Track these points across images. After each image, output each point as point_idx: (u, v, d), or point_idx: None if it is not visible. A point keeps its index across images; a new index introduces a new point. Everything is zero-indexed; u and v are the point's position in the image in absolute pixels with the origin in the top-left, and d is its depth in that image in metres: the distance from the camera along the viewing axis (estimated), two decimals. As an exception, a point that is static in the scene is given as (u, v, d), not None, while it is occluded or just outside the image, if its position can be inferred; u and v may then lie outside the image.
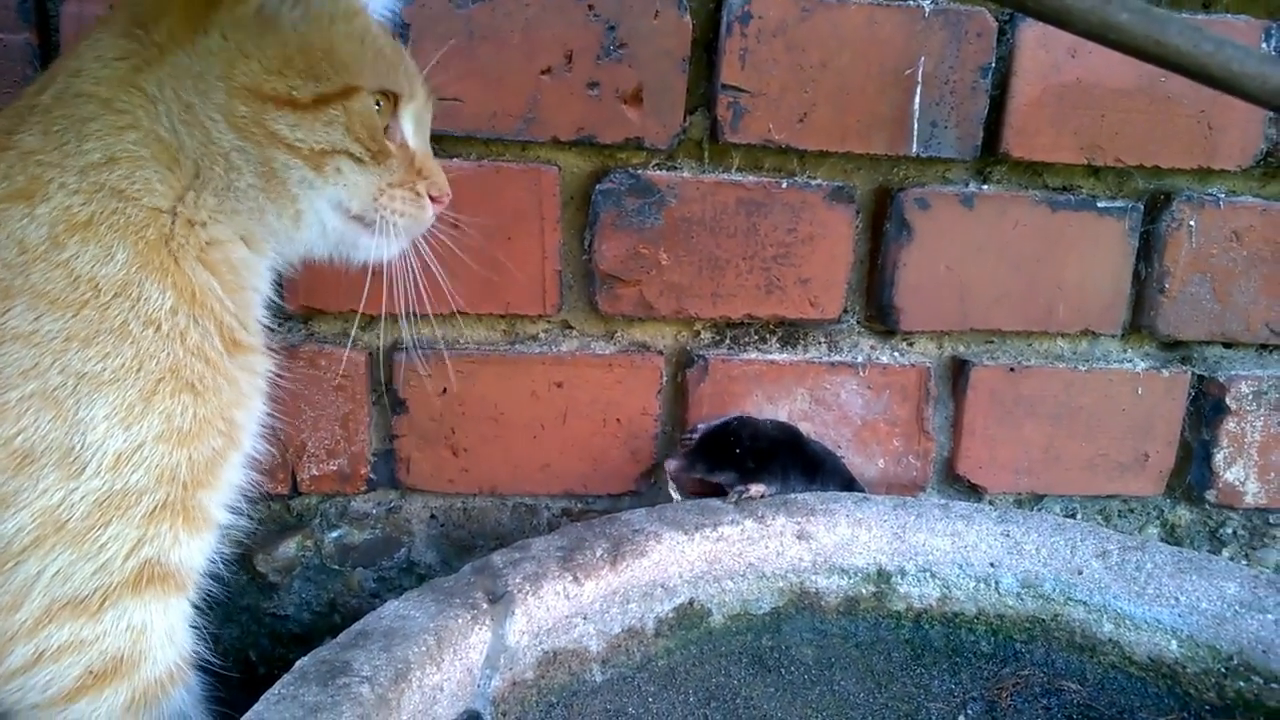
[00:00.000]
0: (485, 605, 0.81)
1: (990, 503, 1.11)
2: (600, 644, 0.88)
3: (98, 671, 0.68)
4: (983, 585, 0.94)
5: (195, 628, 0.77)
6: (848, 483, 1.02)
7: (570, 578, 0.86)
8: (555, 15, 0.95)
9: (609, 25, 0.96)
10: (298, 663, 0.73)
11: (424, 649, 0.75)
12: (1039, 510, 1.13)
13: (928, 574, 0.95)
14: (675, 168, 1.02)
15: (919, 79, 1.00)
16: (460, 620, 0.79)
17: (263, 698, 0.69)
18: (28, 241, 0.62)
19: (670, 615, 0.92)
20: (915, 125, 1.01)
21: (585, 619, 0.87)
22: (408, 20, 0.93)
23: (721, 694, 0.88)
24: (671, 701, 0.86)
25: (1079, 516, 1.14)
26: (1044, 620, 0.92)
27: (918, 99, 1.00)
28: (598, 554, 0.88)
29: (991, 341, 1.09)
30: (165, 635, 0.71)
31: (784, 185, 1.02)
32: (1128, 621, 0.90)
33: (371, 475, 1.03)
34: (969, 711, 0.86)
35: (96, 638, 0.67)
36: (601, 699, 0.86)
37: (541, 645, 0.85)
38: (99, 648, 0.67)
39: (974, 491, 1.11)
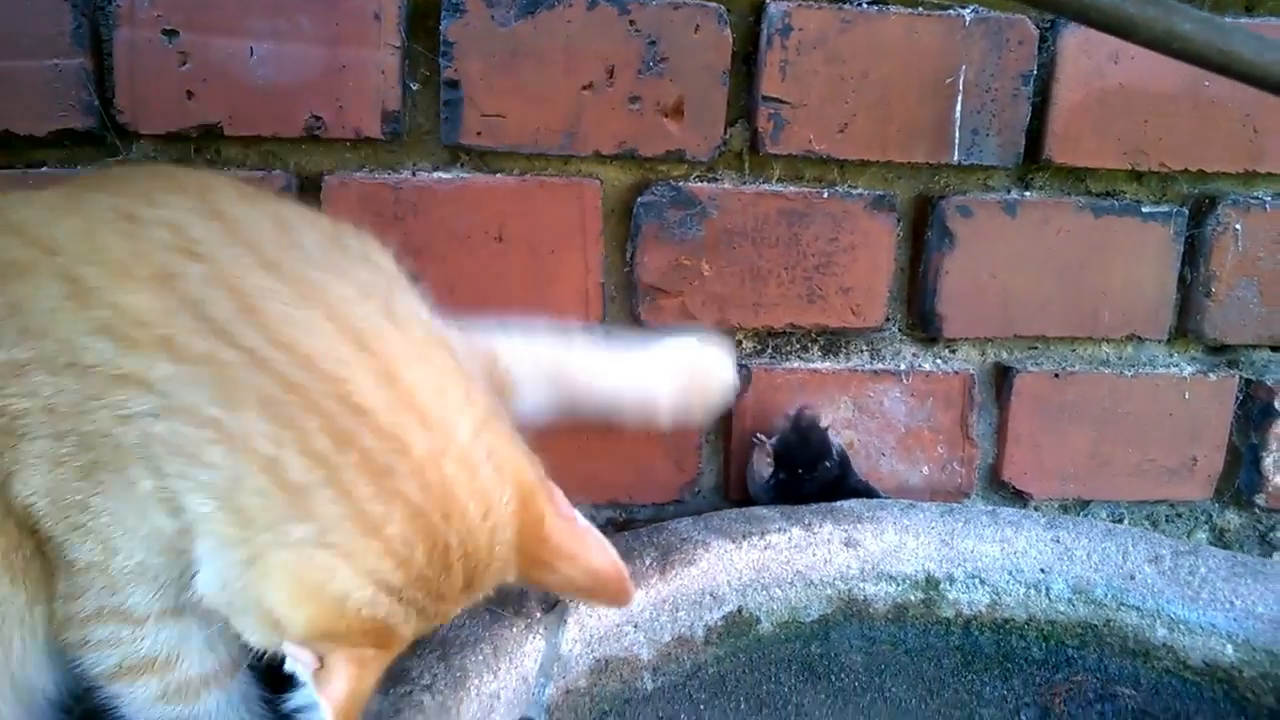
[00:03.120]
0: (539, 614, 0.82)
1: (1036, 509, 1.11)
2: (651, 652, 0.89)
3: (129, 666, 0.73)
4: (1033, 591, 0.94)
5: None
6: None
7: (621, 586, 0.87)
8: (597, 31, 0.97)
9: (650, 40, 0.97)
10: (358, 673, 0.74)
11: (481, 658, 0.76)
12: (1086, 516, 1.12)
13: (977, 581, 0.95)
14: (716, 179, 1.02)
15: (960, 88, 1.00)
16: (515, 629, 0.80)
17: (325, 706, 0.70)
18: None
19: (719, 623, 0.92)
20: (957, 134, 1.01)
21: (635, 627, 0.88)
22: (452, 38, 0.94)
23: (773, 701, 0.88)
24: (723, 709, 0.87)
25: (1126, 522, 1.13)
26: (1096, 626, 0.92)
27: (959, 107, 1.01)
28: (647, 562, 0.89)
29: (1035, 348, 1.09)
30: (205, 645, 0.75)
31: (825, 195, 1.02)
32: (1182, 626, 0.89)
33: (420, 487, 1.04)
34: (1023, 717, 0.86)
35: (134, 639, 0.72)
36: (653, 706, 0.87)
37: (593, 653, 0.85)
38: (134, 648, 0.72)
39: (1019, 498, 1.11)
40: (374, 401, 0.61)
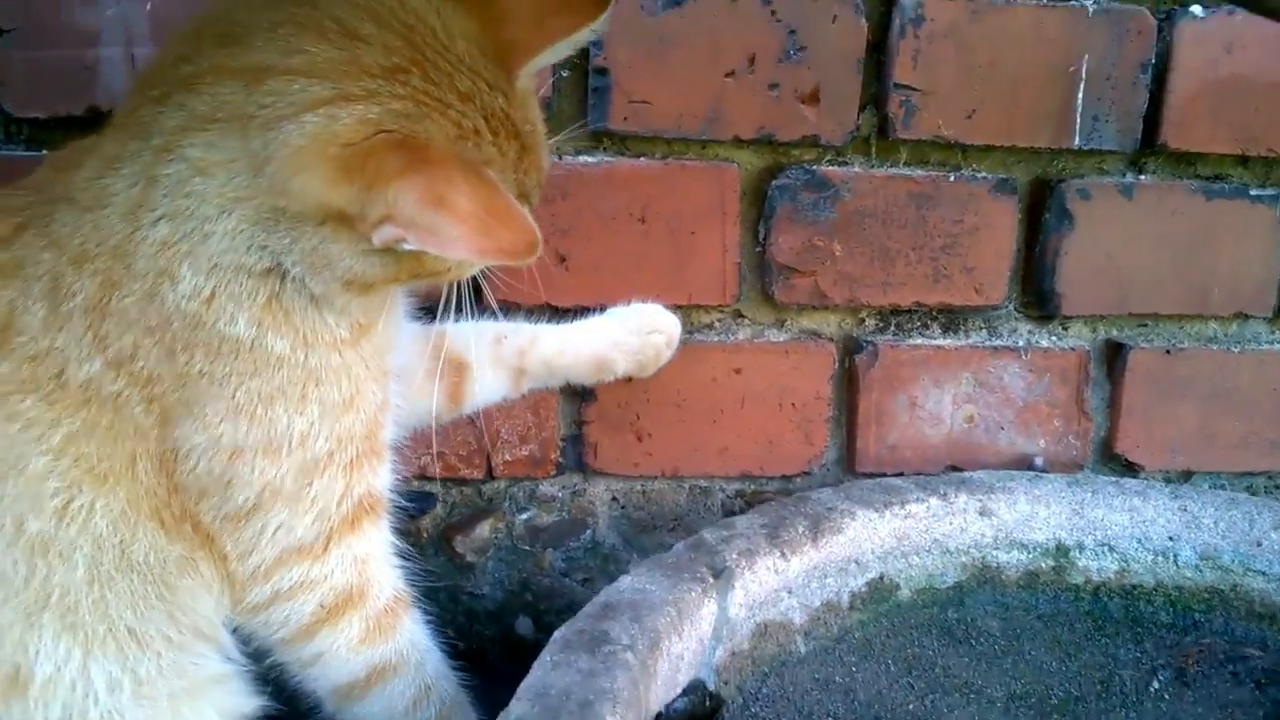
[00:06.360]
0: (711, 580, 0.86)
1: (1145, 480, 1.15)
2: (803, 616, 0.93)
3: (329, 606, 0.77)
4: (1161, 558, 0.98)
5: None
6: None
7: (778, 553, 0.91)
8: (740, 20, 1.00)
9: (790, 29, 1.01)
10: (556, 633, 0.78)
11: (669, 620, 0.80)
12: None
13: (1106, 548, 0.99)
14: (846, 163, 1.06)
15: (1083, 75, 1.04)
16: (693, 593, 0.84)
17: (536, 665, 0.74)
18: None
19: (862, 589, 0.97)
20: (1078, 120, 1.05)
21: (790, 593, 0.92)
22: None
23: (919, 664, 0.92)
24: (875, 671, 0.91)
25: (1224, 494, 1.18)
26: (1223, 591, 0.97)
27: (1081, 95, 1.04)
28: (800, 531, 0.93)
29: (1145, 325, 1.13)
30: (383, 560, 0.81)
31: (951, 178, 1.06)
32: (1308, 591, 0.94)
33: (560, 460, 1.08)
34: (1160, 678, 0.90)
35: (325, 576, 0.76)
36: (809, 669, 0.91)
37: (754, 617, 0.90)
38: (329, 584, 0.76)
39: (1129, 469, 1.15)
40: None
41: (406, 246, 0.63)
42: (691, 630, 0.83)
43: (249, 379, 0.69)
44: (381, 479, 0.79)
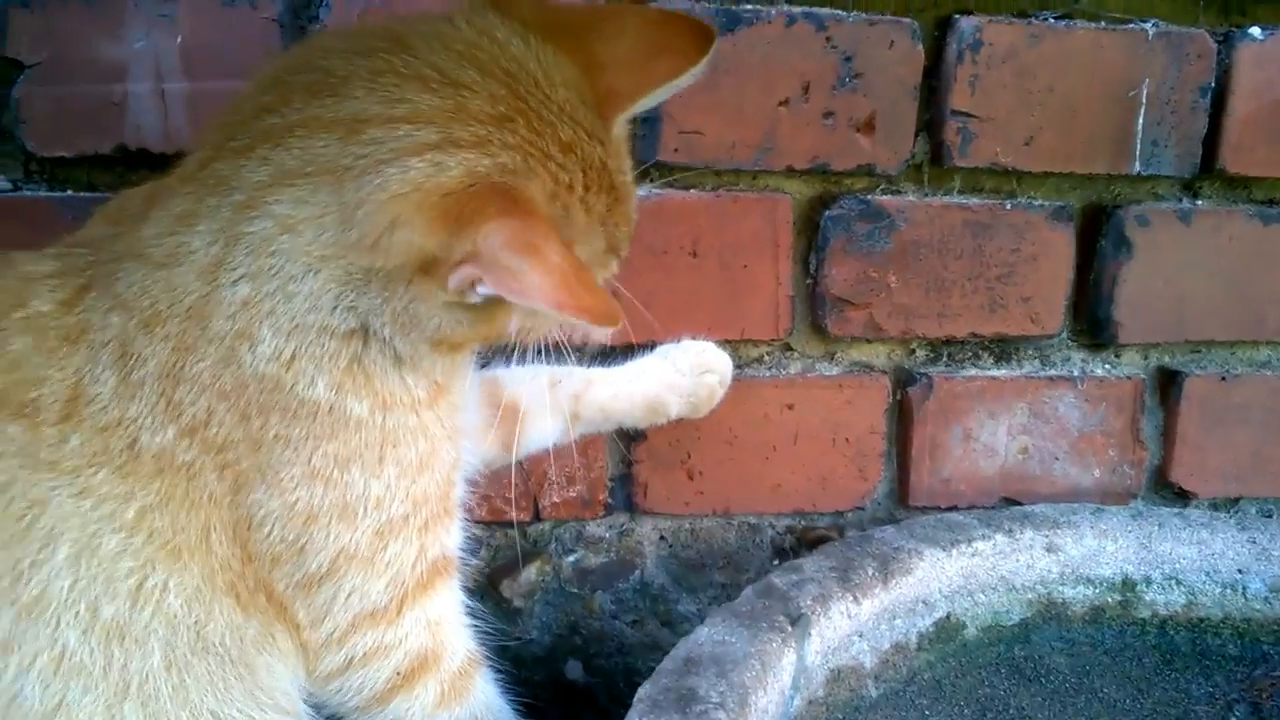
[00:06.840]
0: (789, 628, 0.83)
1: (1195, 508, 1.14)
2: (873, 660, 0.91)
3: (404, 671, 0.74)
4: (1229, 591, 0.97)
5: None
6: None
7: (851, 598, 0.89)
8: (794, 47, 0.98)
9: (845, 56, 0.98)
10: (641, 691, 0.75)
11: (754, 674, 0.77)
12: (1238, 512, 1.16)
13: (1173, 582, 0.98)
14: (899, 192, 1.04)
15: (1143, 100, 1.02)
16: (774, 644, 0.81)
17: (626, 728, 0.71)
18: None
19: (930, 629, 0.94)
20: (1138, 145, 1.03)
21: (861, 636, 0.90)
22: (653, 56, 0.95)
23: (993, 705, 0.90)
24: (948, 714, 0.89)
25: (1274, 517, 1.17)
26: (1294, 623, 0.95)
27: (1141, 119, 1.03)
28: (869, 573, 0.91)
29: (1198, 351, 1.12)
30: (456, 621, 0.78)
31: (1008, 206, 1.04)
32: (1379, 623, 0.93)
33: (609, 500, 1.05)
34: (1237, 713, 0.89)
35: (399, 640, 0.73)
36: (881, 713, 0.89)
37: (828, 664, 0.87)
38: (404, 649, 0.74)
39: (1181, 497, 1.14)
40: None
41: (482, 290, 0.60)
42: (774, 682, 0.80)
43: (325, 442, 0.66)
44: (453, 538, 0.77)
